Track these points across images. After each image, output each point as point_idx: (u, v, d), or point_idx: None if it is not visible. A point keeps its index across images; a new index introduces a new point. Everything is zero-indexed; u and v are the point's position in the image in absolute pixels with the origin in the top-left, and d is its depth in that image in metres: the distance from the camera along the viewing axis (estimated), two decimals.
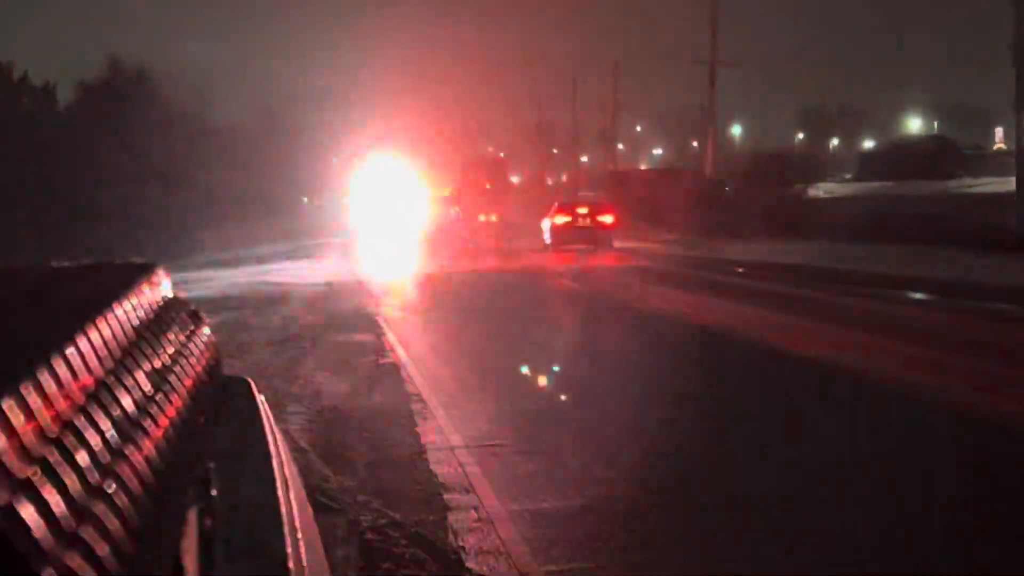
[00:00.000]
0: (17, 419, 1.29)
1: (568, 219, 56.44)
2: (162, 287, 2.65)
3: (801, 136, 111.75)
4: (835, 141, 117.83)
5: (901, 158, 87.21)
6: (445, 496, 11.12)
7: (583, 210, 57.22)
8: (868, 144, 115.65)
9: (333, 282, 37.41)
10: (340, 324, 25.23)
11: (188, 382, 2.30)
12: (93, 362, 1.72)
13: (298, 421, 14.56)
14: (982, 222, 40.49)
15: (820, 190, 70.13)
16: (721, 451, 12.85)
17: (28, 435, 1.30)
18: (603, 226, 56.29)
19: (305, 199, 69.72)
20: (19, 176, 44.57)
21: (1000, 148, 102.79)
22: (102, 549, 1.34)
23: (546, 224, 58.28)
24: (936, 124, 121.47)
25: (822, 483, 11.30)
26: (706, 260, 44.77)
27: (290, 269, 43.84)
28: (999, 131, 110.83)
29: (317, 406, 15.84)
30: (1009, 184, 46.36)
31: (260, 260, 46.55)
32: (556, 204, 59.86)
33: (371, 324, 25.26)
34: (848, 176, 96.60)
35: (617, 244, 55.88)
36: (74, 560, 1.25)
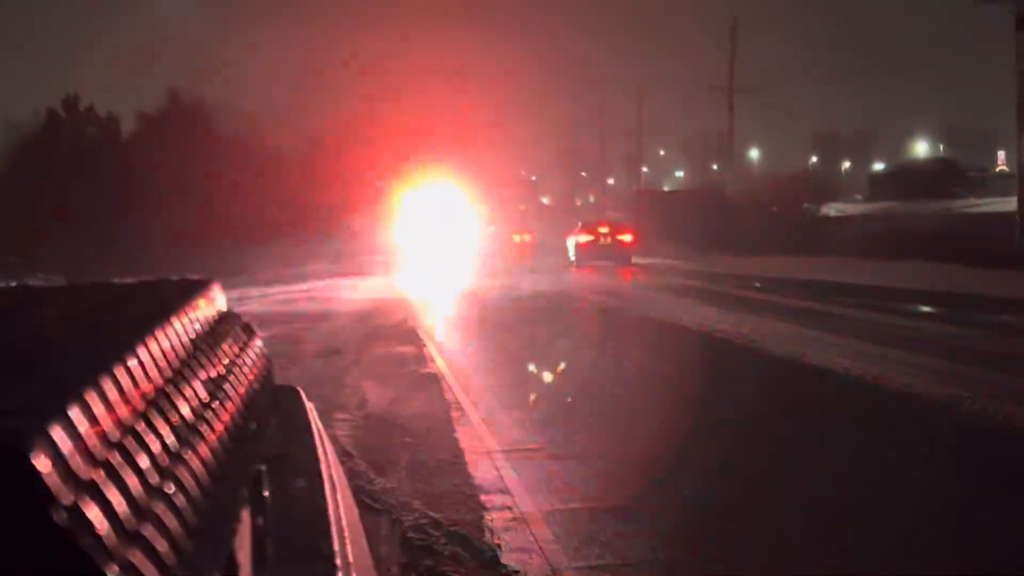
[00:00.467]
0: (82, 424, 1.29)
1: (591, 238, 58.22)
2: (217, 302, 2.65)
3: (815, 159, 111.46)
4: (846, 164, 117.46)
5: (909, 179, 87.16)
6: (482, 497, 11.12)
7: (604, 229, 59.34)
8: (878, 166, 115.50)
9: (375, 298, 37.48)
10: (383, 336, 25.26)
11: (241, 390, 2.30)
12: (152, 371, 1.73)
13: (344, 427, 14.58)
14: (988, 240, 40.38)
15: (832, 209, 69.97)
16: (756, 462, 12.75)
17: (92, 439, 1.30)
18: (623, 244, 58.14)
19: (350, 220, 69.68)
20: (85, 201, 44.87)
21: (1002, 170, 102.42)
22: (162, 546, 1.34)
23: (571, 242, 60.13)
24: (942, 147, 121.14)
25: None
26: (720, 275, 44.92)
27: (335, 287, 43.88)
28: (1001, 154, 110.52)
29: (362, 413, 15.86)
30: (1011, 204, 46.29)
31: (307, 278, 46.70)
32: (579, 224, 61.62)
33: (412, 336, 25.30)
34: (859, 197, 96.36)
35: (636, 260, 57.12)
36: (136, 556, 1.25)
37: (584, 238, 58.60)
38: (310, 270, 50.53)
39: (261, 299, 37.43)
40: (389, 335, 25.68)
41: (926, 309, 27.79)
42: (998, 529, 9.58)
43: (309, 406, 3.82)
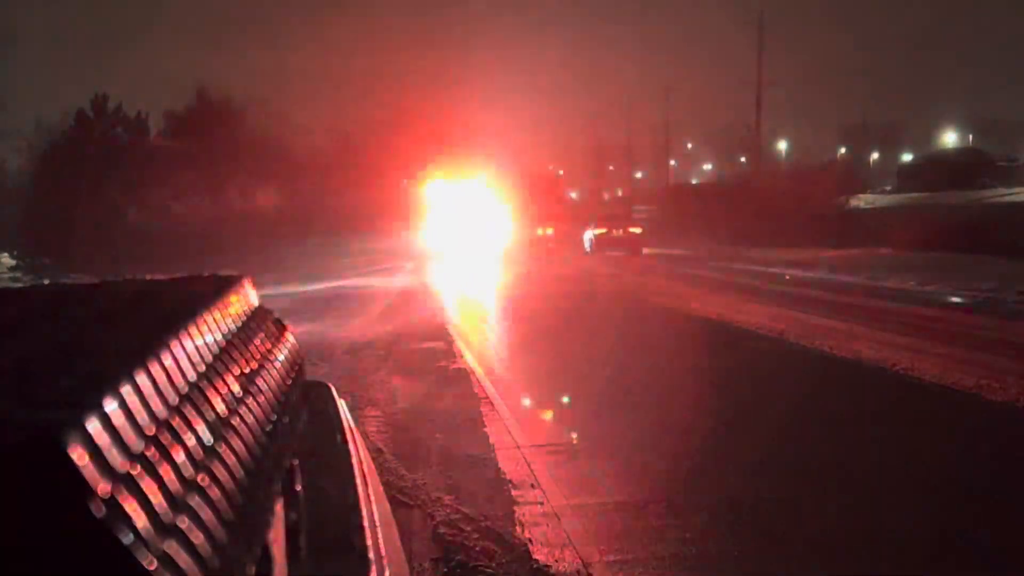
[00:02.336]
0: (118, 417, 1.30)
1: (605, 231, 65.39)
2: (249, 297, 2.66)
3: (843, 150, 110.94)
4: (875, 155, 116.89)
5: (938, 170, 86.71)
6: (513, 492, 11.12)
7: (617, 223, 66.44)
8: (906, 157, 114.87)
9: (404, 290, 37.66)
10: (412, 332, 25.24)
11: (273, 385, 2.31)
12: (186, 366, 1.73)
13: (375, 423, 14.60)
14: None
15: (862, 201, 69.67)
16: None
17: (128, 432, 1.31)
18: (633, 236, 64.68)
19: (381, 214, 69.44)
20: (114, 199, 45.03)
21: None
22: (197, 539, 1.35)
23: (588, 235, 67.27)
24: (971, 137, 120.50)
25: None
26: (728, 267, 45.58)
27: (363, 283, 43.87)
28: None
29: (392, 408, 15.87)
30: None
31: (336, 275, 46.67)
32: (595, 219, 69.13)
33: (441, 332, 25.29)
34: (888, 188, 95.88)
35: (650, 251, 62.96)
36: (172, 548, 1.26)
37: (600, 231, 65.57)
38: (337, 266, 50.58)
39: (287, 296, 37.43)
40: (418, 330, 25.66)
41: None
42: None
43: (340, 402, 3.84)
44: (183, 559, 1.27)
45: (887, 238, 45.96)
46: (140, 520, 1.21)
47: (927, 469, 11.35)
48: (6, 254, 54.11)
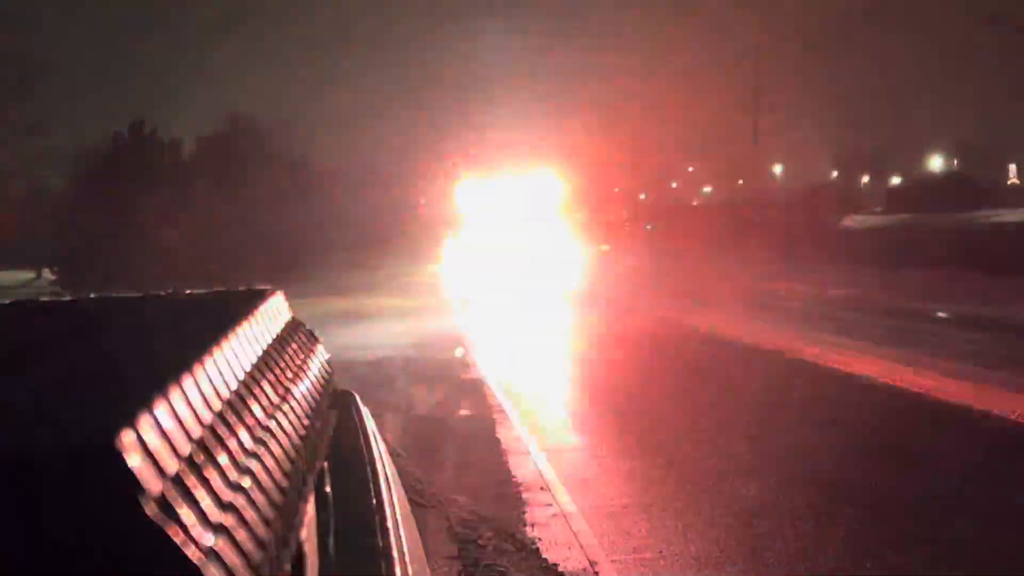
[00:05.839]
0: (167, 422, 1.32)
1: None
2: (282, 309, 2.68)
3: (835, 173, 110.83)
4: (866, 178, 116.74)
5: (925, 192, 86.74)
6: (524, 494, 11.12)
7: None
8: (895, 180, 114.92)
9: (420, 307, 37.22)
10: (428, 343, 25.03)
11: (306, 393, 2.33)
12: (227, 374, 1.75)
13: (394, 428, 14.57)
14: (1012, 249, 39.77)
15: (853, 221, 69.58)
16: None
17: (176, 436, 1.32)
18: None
19: (406, 230, 68.90)
20: (150, 217, 45.19)
21: (1013, 183, 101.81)
22: (240, 535, 1.36)
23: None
24: (956, 162, 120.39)
25: None
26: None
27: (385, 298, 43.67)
28: (1012, 167, 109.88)
29: (411, 415, 15.85)
30: (1022, 215, 45.99)
31: (356, 292, 46.45)
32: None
33: (457, 342, 25.13)
34: (878, 209, 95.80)
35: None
36: (218, 545, 1.27)
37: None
38: (358, 282, 50.34)
39: (313, 308, 37.25)
40: (435, 341, 25.40)
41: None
42: None
43: (364, 409, 3.84)
44: (227, 555, 1.29)
45: (898, 258, 45.35)
46: (188, 518, 1.22)
47: None
48: (47, 269, 54.52)
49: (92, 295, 3.12)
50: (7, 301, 2.70)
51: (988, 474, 11.17)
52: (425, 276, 48.24)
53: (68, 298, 2.92)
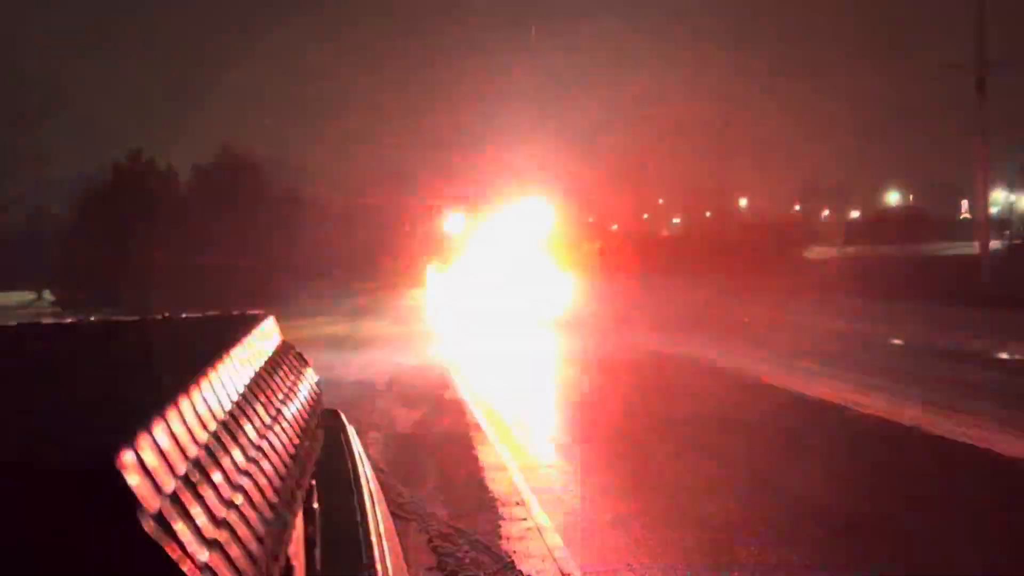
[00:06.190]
0: (164, 441, 1.31)
1: None
2: (273, 333, 2.67)
3: (798, 207, 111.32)
4: (826, 212, 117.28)
5: (883, 226, 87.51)
6: (500, 508, 11.10)
7: None
8: (854, 214, 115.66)
9: (405, 331, 37.03)
10: (410, 365, 24.93)
11: (296, 413, 2.33)
12: (222, 395, 1.74)
13: (376, 445, 14.53)
14: (961, 280, 40.17)
15: (815, 253, 69.97)
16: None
17: (173, 455, 1.32)
18: None
19: (393, 258, 68.62)
20: (146, 243, 45.15)
21: (965, 217, 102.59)
22: (234, 552, 1.36)
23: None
24: (911, 197, 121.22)
25: None
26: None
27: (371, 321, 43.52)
28: (964, 203, 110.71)
29: (392, 432, 15.81)
30: (972, 248, 46.31)
31: (343, 315, 46.28)
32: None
33: (439, 363, 25.03)
34: (838, 242, 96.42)
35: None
36: (213, 560, 1.27)
37: None
38: (342, 306, 50.22)
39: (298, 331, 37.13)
40: (415, 358, 25.31)
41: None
42: None
43: (350, 427, 3.84)
44: (221, 570, 1.28)
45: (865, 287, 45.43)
46: (184, 535, 1.22)
47: None
48: (47, 291, 54.68)
49: (92, 318, 3.11)
50: (12, 323, 2.70)
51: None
52: (409, 300, 48.07)
53: (69, 320, 2.91)
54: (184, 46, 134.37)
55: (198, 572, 1.20)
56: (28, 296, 56.57)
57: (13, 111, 39.24)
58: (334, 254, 62.38)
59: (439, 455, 14.22)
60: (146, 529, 1.13)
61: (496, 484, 12.26)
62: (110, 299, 44.22)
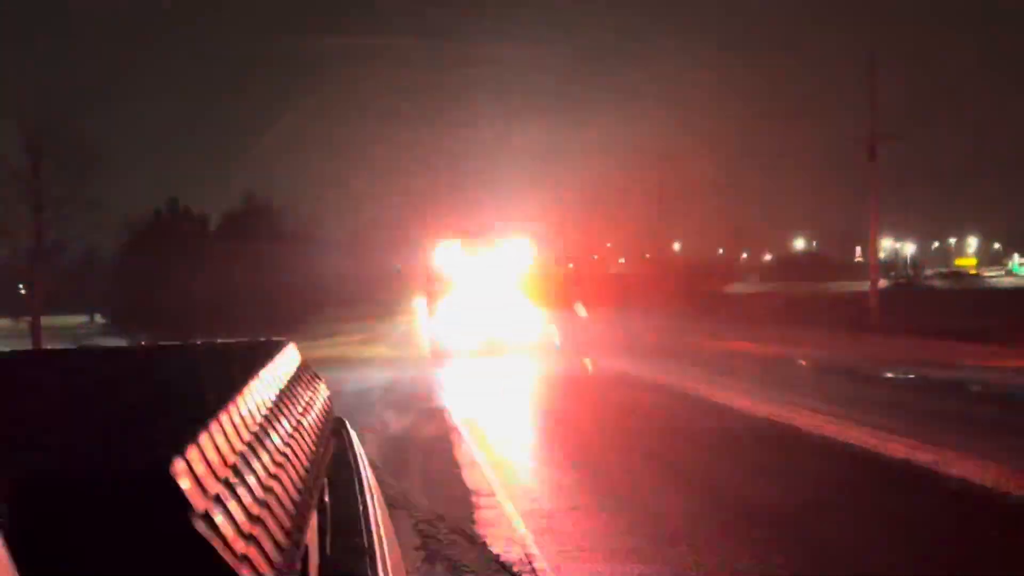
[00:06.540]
0: (208, 450, 1.31)
1: None
2: (294, 356, 2.67)
3: (722, 250, 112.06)
4: (745, 254, 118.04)
5: (791, 267, 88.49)
6: (474, 498, 11.09)
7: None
8: (767, 257, 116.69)
9: (398, 354, 36.95)
10: (401, 379, 24.91)
11: (314, 422, 2.32)
12: (254, 408, 1.74)
13: (371, 445, 14.48)
14: (855, 312, 40.73)
15: (735, 288, 70.50)
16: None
17: (215, 461, 1.32)
18: None
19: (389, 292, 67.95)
20: (182, 278, 45.21)
21: (859, 260, 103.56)
22: (266, 544, 1.36)
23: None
24: (815, 243, 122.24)
25: None
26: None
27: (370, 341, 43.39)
28: (858, 249, 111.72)
29: (385, 434, 15.77)
30: (865, 286, 46.79)
31: (346, 340, 46.15)
32: None
33: (426, 379, 25.00)
34: (754, 279, 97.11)
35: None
36: (249, 551, 1.27)
37: None
38: (350, 329, 50.24)
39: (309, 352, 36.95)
40: (400, 371, 25.31)
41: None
42: None
43: (352, 432, 3.83)
44: (256, 559, 1.28)
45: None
46: (226, 530, 1.22)
47: None
48: (98, 314, 54.99)
49: (143, 343, 3.11)
50: (75, 346, 2.69)
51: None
52: (403, 327, 47.89)
53: (124, 344, 2.90)
54: (214, 107, 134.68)
55: (238, 562, 1.20)
56: (82, 319, 56.66)
57: (73, 165, 39.20)
58: (338, 286, 62.22)
59: (423, 453, 14.21)
60: (195, 527, 1.13)
61: (471, 478, 12.25)
62: (150, 322, 44.31)
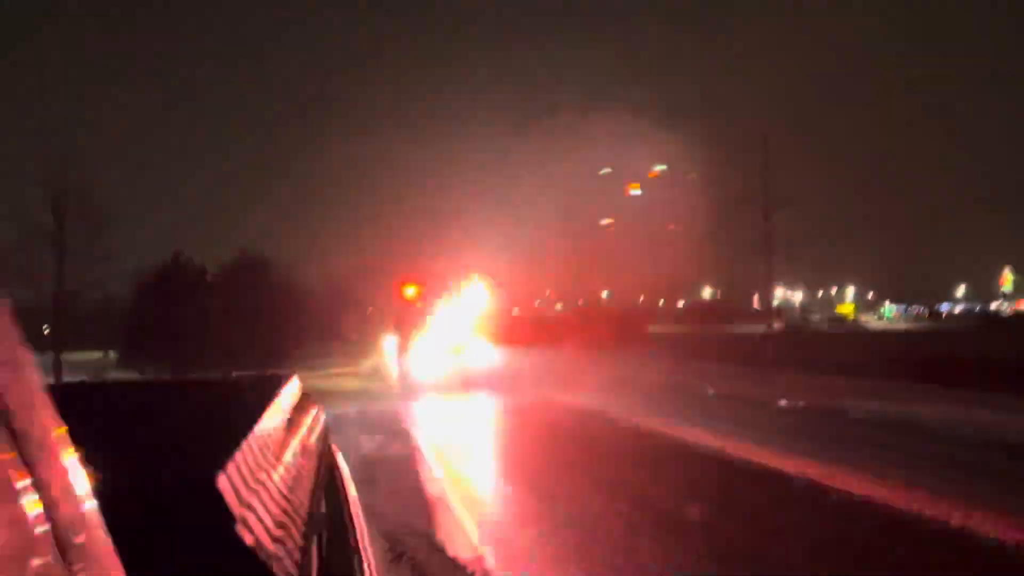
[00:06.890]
0: (242, 465, 1.35)
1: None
2: (298, 386, 2.69)
3: (642, 297, 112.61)
4: (662, 301, 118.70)
5: (700, 312, 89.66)
6: (433, 508, 11.04)
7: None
8: (681, 303, 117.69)
9: (367, 385, 36.65)
10: (372, 407, 24.69)
11: (316, 444, 2.35)
12: (270, 432, 1.77)
13: (345, 461, 14.32)
14: (755, 349, 41.09)
15: (654, 330, 70.90)
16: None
17: (248, 475, 1.36)
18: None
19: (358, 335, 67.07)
20: (186, 322, 45.36)
21: (756, 308, 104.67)
22: (289, 544, 1.39)
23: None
24: (719, 292, 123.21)
25: None
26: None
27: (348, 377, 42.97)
28: (755, 297, 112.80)
29: (357, 452, 15.63)
30: (761, 328, 47.25)
31: (317, 375, 45.70)
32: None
33: (393, 407, 24.79)
34: (670, 322, 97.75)
35: None
36: (277, 550, 1.30)
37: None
38: (328, 365, 49.91)
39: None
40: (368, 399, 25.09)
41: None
42: None
43: (339, 453, 3.86)
44: (282, 556, 1.31)
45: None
46: (259, 532, 1.25)
47: None
48: (112, 351, 54.75)
49: (165, 376, 3.12)
50: (109, 379, 2.70)
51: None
52: (373, 363, 47.47)
53: (145, 378, 2.92)
54: (209, 170, 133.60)
55: (269, 559, 1.23)
56: (98, 354, 56.06)
57: (91, 223, 38.83)
58: (317, 327, 61.68)
59: (390, 470, 14.09)
60: (237, 531, 1.17)
61: (431, 490, 12.17)
62: (158, 358, 44.44)
